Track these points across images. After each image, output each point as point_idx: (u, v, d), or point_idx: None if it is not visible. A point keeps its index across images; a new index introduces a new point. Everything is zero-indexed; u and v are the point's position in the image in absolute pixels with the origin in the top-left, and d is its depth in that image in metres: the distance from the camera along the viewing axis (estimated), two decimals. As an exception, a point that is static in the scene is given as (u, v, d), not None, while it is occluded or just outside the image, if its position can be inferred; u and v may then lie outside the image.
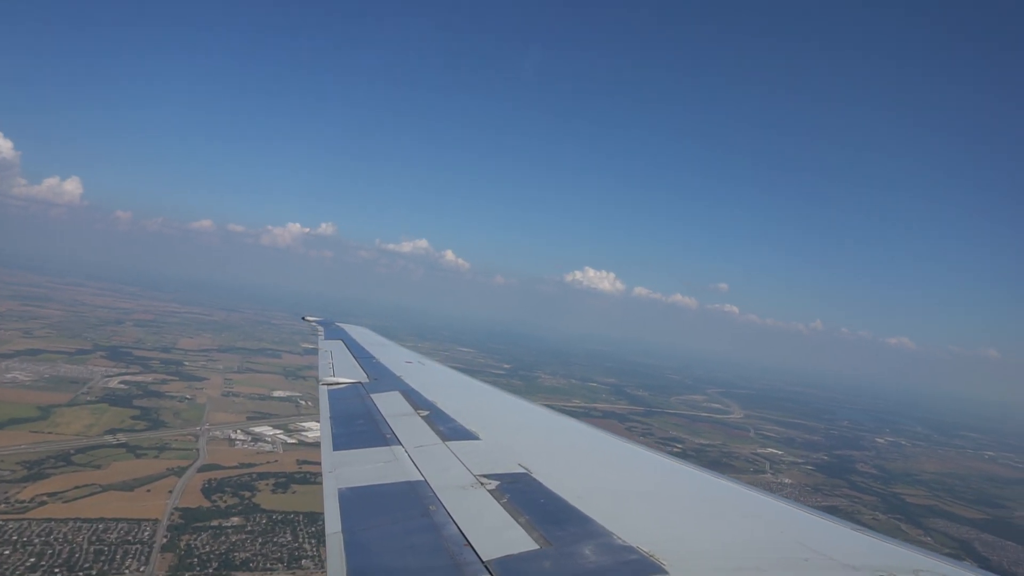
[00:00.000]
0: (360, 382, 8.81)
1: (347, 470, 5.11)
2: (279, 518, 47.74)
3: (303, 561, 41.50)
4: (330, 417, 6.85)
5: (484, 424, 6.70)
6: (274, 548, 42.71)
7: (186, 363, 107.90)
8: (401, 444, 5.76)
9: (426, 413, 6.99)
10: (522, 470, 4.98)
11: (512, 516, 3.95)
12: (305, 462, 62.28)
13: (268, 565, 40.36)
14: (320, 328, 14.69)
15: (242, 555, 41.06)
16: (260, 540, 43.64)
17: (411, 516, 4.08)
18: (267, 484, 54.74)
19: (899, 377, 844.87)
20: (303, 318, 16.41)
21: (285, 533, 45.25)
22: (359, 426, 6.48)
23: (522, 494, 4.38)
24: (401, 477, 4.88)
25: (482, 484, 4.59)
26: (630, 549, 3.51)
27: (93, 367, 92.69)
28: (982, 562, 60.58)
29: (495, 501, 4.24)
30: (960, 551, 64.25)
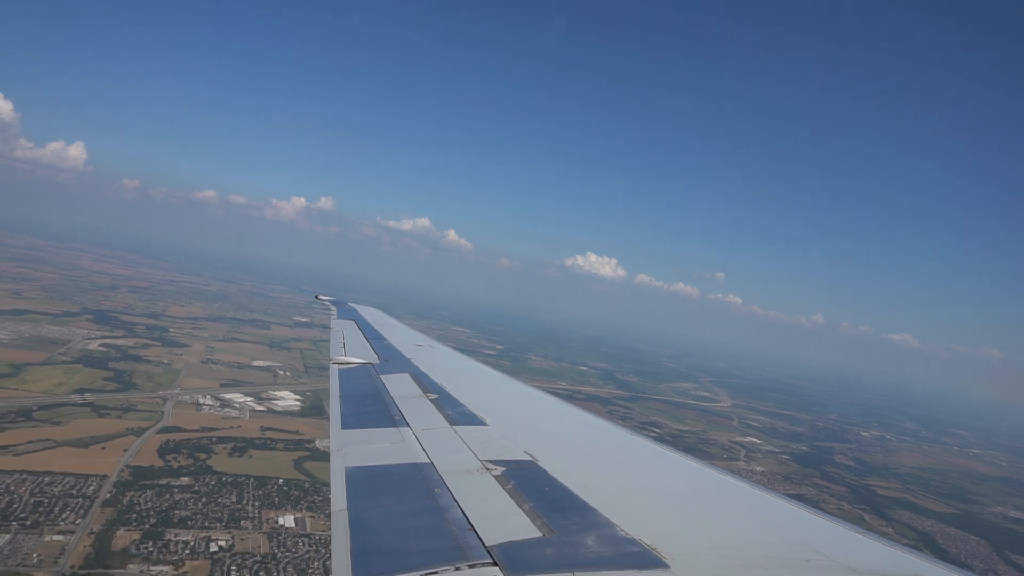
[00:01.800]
0: (371, 363, 8.93)
1: (355, 449, 5.17)
2: (229, 480, 48.21)
3: (242, 522, 41.92)
4: (340, 396, 6.93)
5: (492, 410, 6.79)
6: (216, 508, 43.14)
7: (171, 330, 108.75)
8: (409, 426, 5.84)
9: (435, 396, 7.06)
10: (528, 458, 5.04)
11: (516, 503, 4.00)
12: (269, 428, 62.84)
13: (206, 524, 40.77)
14: (333, 307, 14.72)
15: (182, 513, 41.49)
16: (204, 500, 44.07)
17: (416, 498, 4.14)
18: (225, 448, 55.20)
19: (900, 374, 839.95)
20: (316, 297, 16.39)
21: (231, 495, 45.70)
22: (368, 406, 6.59)
23: (527, 481, 4.45)
24: (408, 459, 4.93)
25: (488, 470, 4.66)
26: (632, 541, 3.52)
27: (76, 329, 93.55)
28: (939, 554, 60.40)
29: (500, 487, 4.30)
30: (920, 543, 64.12)
